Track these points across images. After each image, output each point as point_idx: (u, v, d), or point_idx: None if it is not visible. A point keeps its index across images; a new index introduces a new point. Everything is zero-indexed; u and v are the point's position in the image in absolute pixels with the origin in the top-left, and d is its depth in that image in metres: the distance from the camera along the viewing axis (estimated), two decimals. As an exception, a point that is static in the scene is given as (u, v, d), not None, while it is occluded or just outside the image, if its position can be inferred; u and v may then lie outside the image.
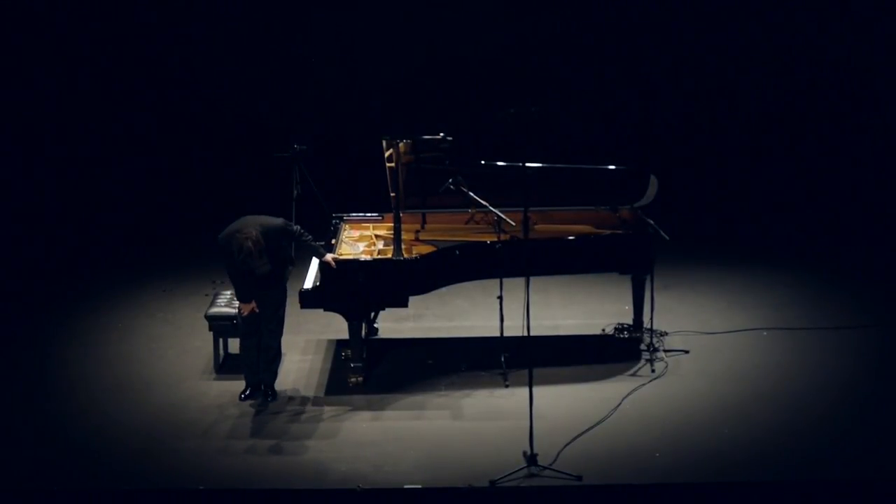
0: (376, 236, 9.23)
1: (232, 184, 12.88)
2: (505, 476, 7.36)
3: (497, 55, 13.20)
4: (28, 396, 8.67)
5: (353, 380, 8.72)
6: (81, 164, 13.20)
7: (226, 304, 9.00)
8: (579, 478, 7.35)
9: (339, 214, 9.47)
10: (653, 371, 8.88)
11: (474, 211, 9.09)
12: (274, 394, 8.58)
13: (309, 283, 8.68)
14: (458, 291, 9.85)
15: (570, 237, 9.05)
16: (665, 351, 9.15)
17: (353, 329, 8.63)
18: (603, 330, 9.59)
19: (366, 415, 8.34)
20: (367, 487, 7.33)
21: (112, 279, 10.98)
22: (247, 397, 8.55)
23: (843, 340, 9.35)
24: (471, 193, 8.81)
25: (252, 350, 8.55)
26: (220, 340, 9.04)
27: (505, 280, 8.76)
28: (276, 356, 8.65)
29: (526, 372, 7.71)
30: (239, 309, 8.50)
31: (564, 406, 8.35)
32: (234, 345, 8.97)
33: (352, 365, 8.73)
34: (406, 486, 7.35)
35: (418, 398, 8.57)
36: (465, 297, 10.23)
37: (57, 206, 12.78)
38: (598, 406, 8.31)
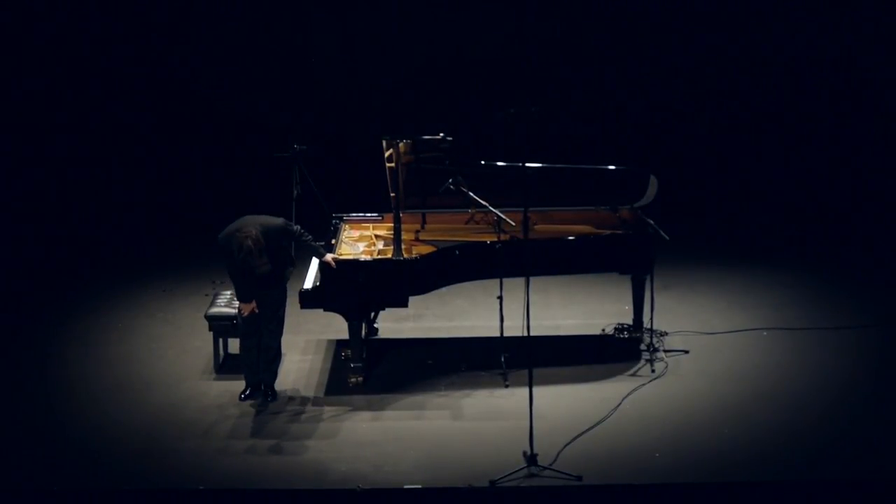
0: (376, 236, 9.23)
1: (232, 184, 12.88)
2: (505, 476, 7.36)
3: (497, 55, 13.20)
4: (28, 396, 8.67)
5: (353, 380, 8.72)
6: (81, 164, 13.20)
7: (226, 304, 9.00)
8: (579, 478, 7.35)
9: (339, 214, 9.47)
10: (653, 371, 8.88)
11: (474, 211, 9.09)
12: (274, 394, 8.58)
13: (309, 283, 8.68)
14: (458, 291, 9.85)
15: (570, 237, 9.05)
16: (665, 351, 9.15)
17: (353, 329, 8.63)
18: (603, 330, 9.59)
19: (366, 415, 8.34)
20: (367, 487, 7.33)
21: (112, 279, 10.98)
22: (247, 397, 8.55)
23: (843, 340, 9.35)
24: (471, 193, 8.81)
25: (252, 350, 8.55)
26: (220, 340, 9.04)
27: (505, 280, 8.76)
28: (276, 356, 8.65)
29: (526, 372, 7.71)
30: (239, 309, 8.50)
31: (564, 406, 8.35)
32: (234, 345, 8.97)
33: (352, 365, 8.73)
34: (406, 486, 7.35)
35: (418, 398, 8.57)
36: (465, 297, 10.23)
37: (57, 205, 12.77)
38: (598, 406, 8.31)
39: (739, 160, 13.28)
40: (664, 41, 13.26)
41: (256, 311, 8.40)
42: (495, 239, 8.76)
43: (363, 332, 8.88)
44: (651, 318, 9.18)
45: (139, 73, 13.26)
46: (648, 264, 9.06)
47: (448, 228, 9.30)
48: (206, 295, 10.02)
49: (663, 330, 9.44)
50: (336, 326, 9.16)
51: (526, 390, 7.61)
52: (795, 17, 13.16)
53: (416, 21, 13.22)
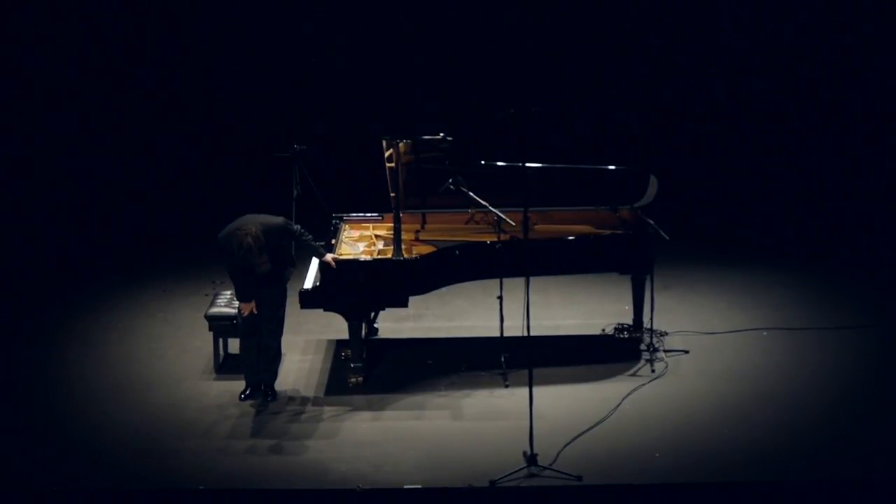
0: (376, 236, 9.23)
1: (232, 184, 12.88)
2: (505, 476, 7.36)
3: (497, 55, 13.20)
4: (28, 396, 8.67)
5: (353, 380, 8.72)
6: (81, 164, 13.20)
7: (226, 304, 9.00)
8: (579, 478, 7.35)
9: (339, 214, 9.47)
10: (653, 371, 8.88)
11: (474, 211, 9.09)
12: (274, 394, 8.57)
13: (309, 283, 8.68)
14: (458, 291, 9.85)
15: (570, 237, 9.05)
16: (665, 351, 9.15)
17: (353, 329, 8.63)
18: (603, 330, 9.59)
19: (366, 415, 8.34)
20: (367, 487, 7.33)
21: (112, 279, 10.98)
22: (247, 397, 8.55)
23: (843, 340, 9.35)
24: (471, 193, 8.81)
25: (252, 350, 8.55)
26: (220, 340, 9.04)
27: (505, 280, 8.76)
28: (276, 356, 8.64)
29: (526, 372, 7.71)
30: (239, 309, 8.50)
31: (564, 406, 8.35)
32: (234, 345, 8.97)
33: (352, 365, 8.73)
34: (406, 486, 7.35)
35: (418, 398, 8.56)
36: (465, 297, 10.23)
37: (57, 205, 12.77)
38: (598, 406, 8.31)
39: (739, 160, 13.28)
40: (664, 41, 13.26)
41: (255, 311, 8.40)
42: (495, 239, 8.76)
43: (363, 332, 8.88)
44: (651, 318, 9.17)
45: (139, 73, 13.26)
46: (648, 264, 9.06)
47: (448, 228, 9.30)
48: (206, 295, 10.02)
49: (663, 330, 9.43)
50: (336, 326, 9.15)
51: (526, 390, 7.61)
52: (795, 16, 13.17)
53: (416, 21, 13.22)
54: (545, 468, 7.45)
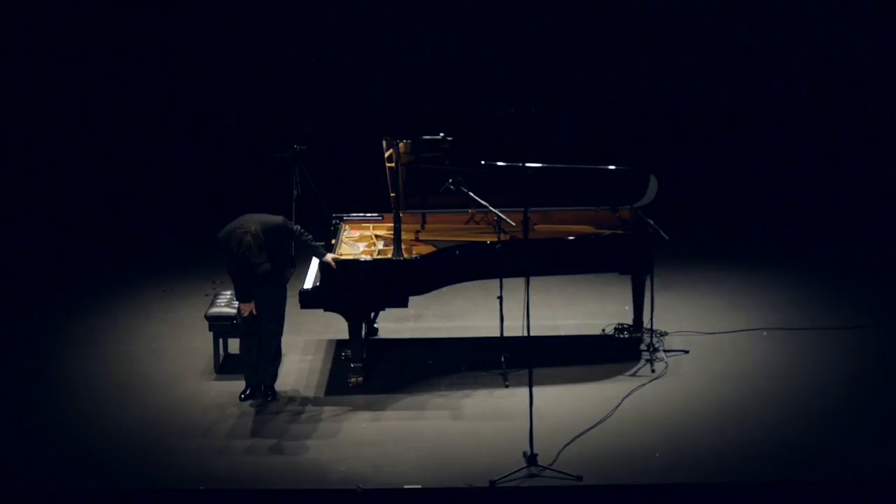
0: (376, 236, 9.23)
1: (232, 184, 12.88)
2: (505, 476, 7.36)
3: (497, 55, 13.19)
4: (28, 396, 8.67)
5: (353, 380, 8.72)
6: (81, 164, 13.20)
7: (226, 304, 9.00)
8: (579, 478, 7.35)
9: (339, 214, 9.46)
10: (653, 371, 8.87)
11: (474, 211, 9.09)
12: (274, 394, 8.57)
13: (309, 283, 8.68)
14: (458, 291, 9.85)
15: (570, 237, 9.05)
16: (665, 351, 9.15)
17: (353, 329, 8.63)
18: (603, 330, 9.59)
19: (366, 415, 8.33)
20: (367, 487, 7.33)
21: (112, 279, 10.98)
22: (247, 397, 8.55)
23: (843, 340, 9.35)
24: (471, 193, 8.81)
25: (252, 350, 8.55)
26: (220, 340, 9.04)
27: (505, 280, 8.76)
28: (276, 356, 8.65)
29: (526, 372, 7.71)
30: (239, 309, 8.50)
31: (564, 406, 8.35)
32: (234, 345, 8.97)
33: (352, 365, 8.73)
34: (406, 486, 7.35)
35: (418, 398, 8.56)
36: (465, 297, 10.23)
37: (57, 205, 12.77)
38: (598, 406, 8.31)
39: (739, 160, 13.28)
40: (664, 41, 13.25)
41: (255, 312, 8.40)
42: (495, 239, 8.76)
43: (363, 332, 8.88)
44: (651, 318, 9.17)
45: (139, 73, 13.26)
46: (648, 264, 9.06)
47: (448, 228, 9.30)
48: (206, 295, 10.02)
49: (663, 330, 9.43)
50: (336, 326, 9.15)
51: (526, 390, 7.61)
52: (795, 16, 13.16)
53: (416, 21, 13.21)
54: (545, 468, 7.44)
